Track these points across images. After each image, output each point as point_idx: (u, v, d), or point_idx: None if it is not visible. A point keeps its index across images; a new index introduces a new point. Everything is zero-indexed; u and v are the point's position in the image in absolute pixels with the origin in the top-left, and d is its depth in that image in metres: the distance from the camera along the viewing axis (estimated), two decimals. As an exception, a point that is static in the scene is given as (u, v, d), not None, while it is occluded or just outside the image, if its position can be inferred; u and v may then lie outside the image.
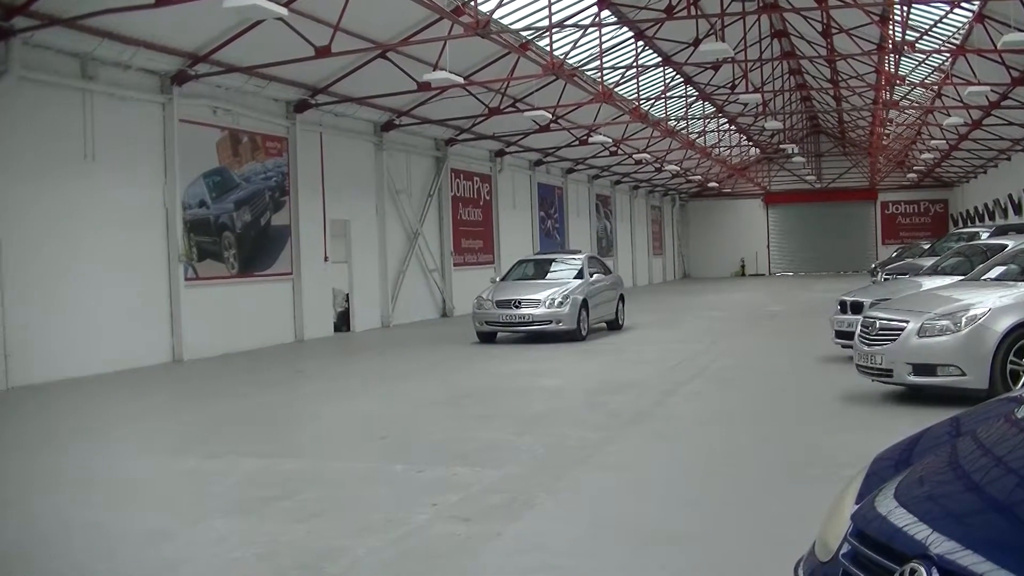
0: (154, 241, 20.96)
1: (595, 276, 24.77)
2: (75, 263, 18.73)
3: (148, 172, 20.87)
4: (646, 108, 36.54)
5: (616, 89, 34.17)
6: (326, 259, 27.06)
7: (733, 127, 48.21)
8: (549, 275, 24.85)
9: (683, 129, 41.49)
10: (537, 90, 30.93)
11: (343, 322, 28.39)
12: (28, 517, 8.46)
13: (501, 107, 30.43)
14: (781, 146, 51.71)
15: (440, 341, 24.58)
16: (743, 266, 69.81)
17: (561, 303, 22.57)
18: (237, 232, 23.50)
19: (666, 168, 50.43)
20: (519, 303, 22.78)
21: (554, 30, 25.14)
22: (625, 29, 30.27)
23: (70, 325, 18.34)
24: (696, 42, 26.57)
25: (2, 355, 17.05)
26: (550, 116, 31.72)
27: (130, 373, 13.91)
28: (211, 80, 22.16)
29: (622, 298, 26.42)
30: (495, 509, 8.17)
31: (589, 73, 31.09)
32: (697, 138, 44.42)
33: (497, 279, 26.25)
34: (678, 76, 36.97)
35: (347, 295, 28.56)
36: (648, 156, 45.16)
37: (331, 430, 12.66)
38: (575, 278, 24.15)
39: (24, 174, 17.80)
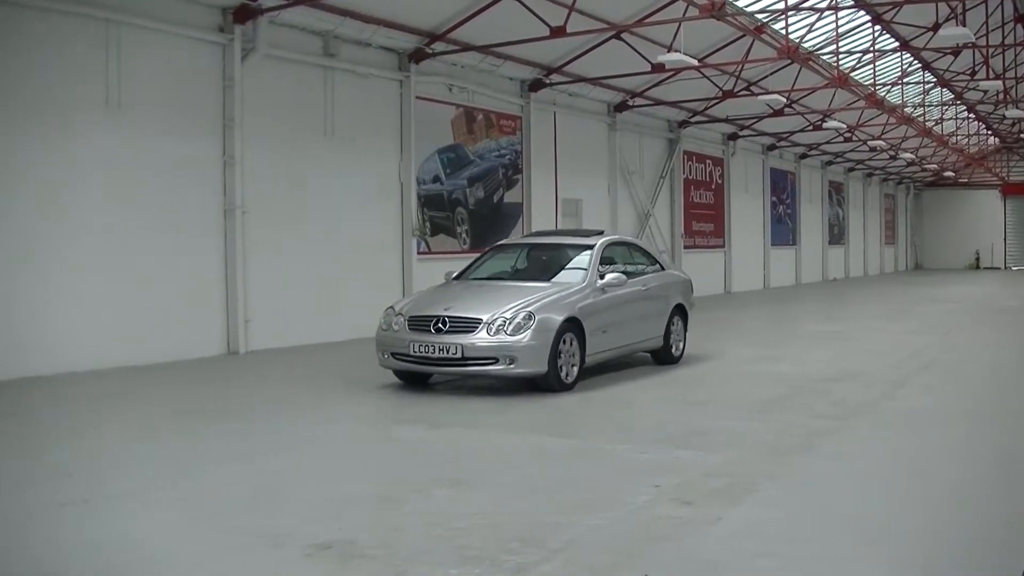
0: (389, 215, 20.78)
1: (611, 277, 13.75)
2: (311, 235, 18.69)
3: (384, 148, 20.70)
4: (882, 94, 34.62)
5: (852, 74, 32.50)
6: (557, 237, 26.08)
7: (972, 115, 45.48)
8: (537, 272, 14.43)
9: (920, 116, 39.25)
10: (771, 74, 29.66)
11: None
12: (266, 475, 8.55)
13: (735, 90, 29.17)
14: (1022, 135, 48.80)
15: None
16: (977, 258, 66.03)
17: (519, 327, 12.19)
18: (470, 208, 23.15)
19: (901, 156, 48.12)
20: (444, 324, 12.42)
21: (790, 13, 23.95)
22: (862, 12, 28.59)
23: (303, 295, 18.39)
24: (935, 26, 24.85)
25: (242, 321, 17.18)
26: (784, 100, 30.27)
27: (367, 341, 13.90)
28: (447, 58, 21.78)
29: (682, 312, 15.77)
30: (716, 493, 7.78)
31: (824, 57, 29.52)
32: (934, 126, 41.99)
33: (454, 275, 14.82)
34: (916, 61, 34.94)
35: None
36: (883, 143, 43.09)
37: (555, 406, 12.06)
38: (575, 279, 13.82)
39: (267, 148, 17.88)
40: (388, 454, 9.56)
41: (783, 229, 43.20)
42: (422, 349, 12.42)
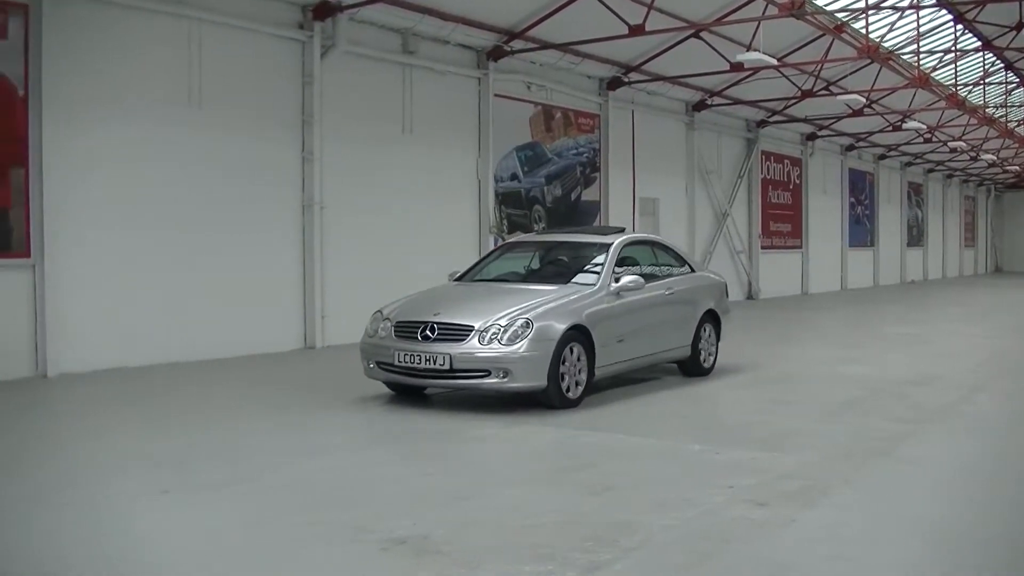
0: (466, 212, 20.68)
1: (627, 280, 12.21)
2: (389, 231, 18.63)
3: (463, 145, 20.62)
4: (963, 95, 33.93)
5: (932, 74, 31.83)
6: (633, 236, 25.94)
7: (1055, 116, 44.66)
8: (545, 273, 13.03)
9: (1002, 117, 38.34)
10: (851, 73, 28.95)
11: (649, 299, 27.07)
12: (344, 470, 8.54)
13: (814, 90, 28.66)
14: (1106, 137, 47.75)
15: (745, 326, 23.36)
16: (1059, 262, 64.89)
17: (515, 336, 10.81)
18: (547, 206, 22.95)
19: (982, 158, 47.16)
20: (432, 331, 11.08)
21: (870, 12, 23.46)
22: (944, 12, 27.94)
23: (379, 291, 18.13)
24: (1019, 26, 24.37)
25: (319, 316, 17.22)
26: (864, 100, 29.66)
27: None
28: (525, 56, 21.60)
29: (713, 318, 14.22)
30: (791, 495, 7.60)
31: (905, 57, 28.89)
32: (1016, 127, 41.04)
33: (458, 274, 13.46)
34: (998, 61, 34.24)
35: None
36: (964, 144, 42.23)
37: (631, 404, 11.88)
38: (586, 282, 12.28)
39: (346, 145, 17.85)
40: (463, 451, 9.40)
41: (861, 230, 42.51)
42: (408, 359, 11.09)
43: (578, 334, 11.35)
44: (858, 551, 6.33)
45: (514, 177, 21.96)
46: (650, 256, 13.89)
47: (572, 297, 11.78)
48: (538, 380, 10.90)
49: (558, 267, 13.11)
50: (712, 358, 14.22)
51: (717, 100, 29.18)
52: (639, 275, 12.58)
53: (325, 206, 17.30)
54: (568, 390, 11.23)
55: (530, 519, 6.87)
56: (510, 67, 21.46)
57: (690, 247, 28.79)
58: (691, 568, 6.00)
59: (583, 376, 11.46)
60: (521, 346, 10.77)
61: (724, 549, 6.35)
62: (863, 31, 23.99)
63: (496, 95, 21.13)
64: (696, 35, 22.87)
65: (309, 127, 17.07)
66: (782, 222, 35.25)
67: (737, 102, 29.75)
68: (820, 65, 26.27)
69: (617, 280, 12.24)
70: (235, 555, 6.25)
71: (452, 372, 10.91)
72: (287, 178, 17.00)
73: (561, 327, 11.11)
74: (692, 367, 13.85)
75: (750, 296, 32.47)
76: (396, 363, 11.23)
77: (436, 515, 7.02)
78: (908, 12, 24.72)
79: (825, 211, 38.58)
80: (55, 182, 13.64)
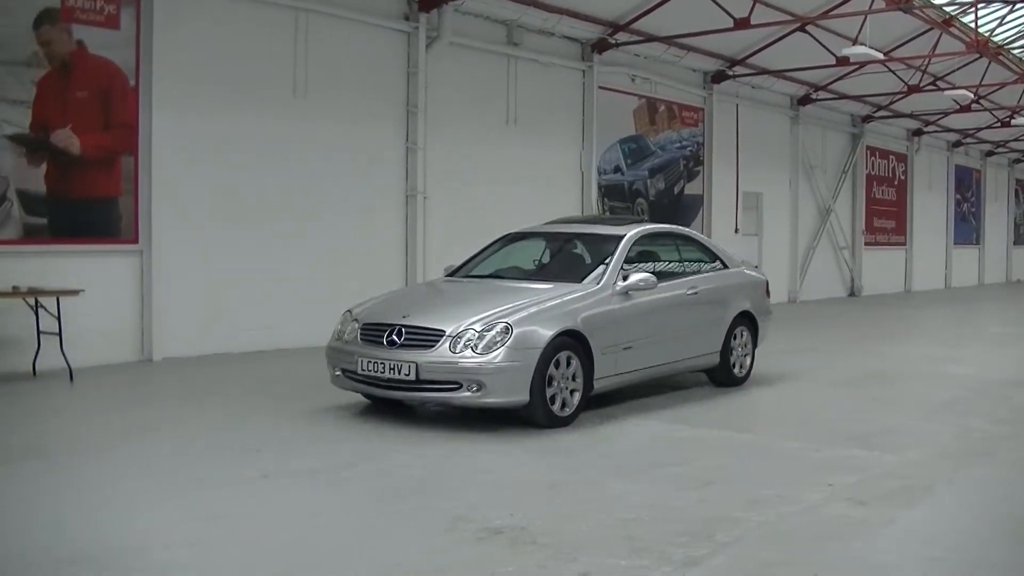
0: (569, 204, 20.30)
1: (636, 278, 10.49)
2: (490, 221, 18.32)
3: (566, 137, 20.36)
4: (1075, 90, 32.97)
5: (1044, 69, 31.04)
6: (736, 231, 25.65)
7: None
8: (545, 269, 11.47)
9: (1114, 114, 37.32)
10: (959, 68, 28.07)
11: (750, 294, 26.71)
12: (441, 459, 8.31)
13: (920, 85, 27.91)
14: None
15: (847, 323, 22.92)
16: None
17: (492, 343, 9.23)
18: (650, 199, 22.58)
19: (1093, 155, 45.95)
20: (399, 335, 9.52)
21: (979, 5, 22.73)
22: (1058, 4, 27.33)
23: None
24: None
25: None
26: (971, 96, 28.79)
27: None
28: (630, 49, 21.28)
29: (749, 321, 12.55)
30: (891, 494, 7.43)
31: (1015, 51, 28.08)
32: None
33: (452, 267, 12.08)
34: (1114, 56, 33.32)
35: (755, 268, 27.07)
36: (1074, 141, 41.17)
37: (727, 400, 11.58)
38: (589, 280, 10.58)
39: (450, 135, 17.73)
40: (561, 442, 9.13)
41: (966, 228, 41.39)
42: (371, 367, 9.51)
43: (572, 341, 9.73)
44: (958, 553, 6.18)
45: (617, 170, 21.64)
46: (672, 251, 12.12)
47: (567, 298, 10.09)
48: (518, 395, 9.27)
49: (561, 262, 11.55)
50: (747, 366, 12.56)
51: (822, 94, 28.49)
52: (652, 272, 10.85)
53: (428, 196, 17.19)
54: (558, 406, 9.61)
55: (627, 513, 6.76)
56: (614, 59, 21.14)
57: (793, 242, 28.31)
58: (787, 565, 5.87)
59: (577, 391, 9.81)
60: (497, 355, 9.16)
61: (821, 547, 6.21)
62: (972, 25, 23.28)
63: (600, 87, 20.84)
64: (802, 28, 22.30)
65: (413, 117, 16.96)
66: (886, 218, 34.40)
67: (842, 97, 29.01)
68: (927, 60, 25.49)
69: (625, 278, 10.55)
70: (331, 540, 6.19)
71: (418, 384, 9.29)
72: (391, 168, 16.90)
73: (547, 333, 9.45)
74: (722, 376, 12.19)
75: (852, 293, 31.75)
76: (359, 371, 9.65)
77: (534, 506, 6.94)
78: (1018, 6, 23.90)
79: (930, 208, 37.58)
80: (162, 170, 13.72)
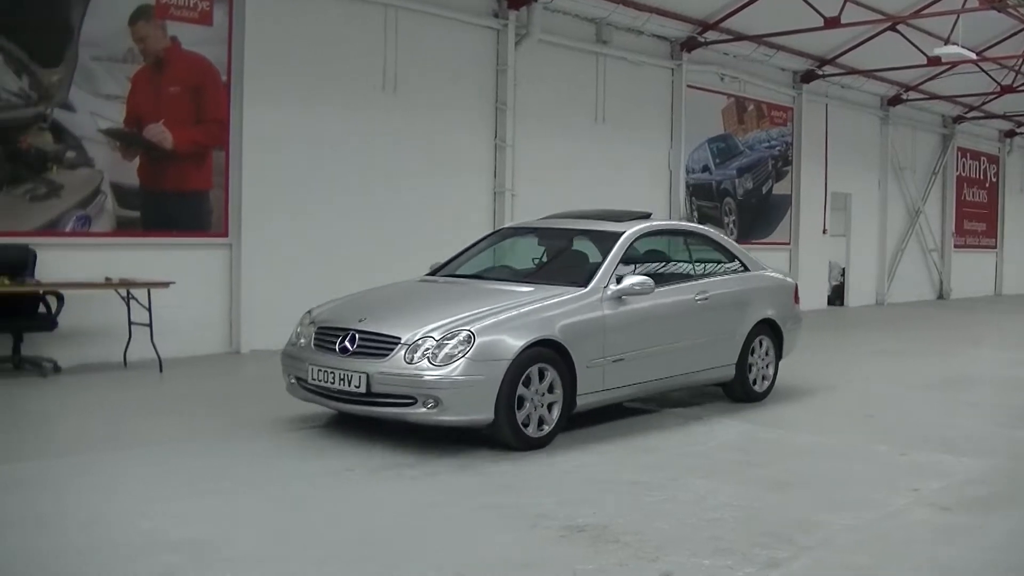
0: (657, 203, 19.97)
1: (631, 281, 9.20)
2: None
3: (654, 135, 20.05)
4: None
5: None
6: (824, 231, 25.12)
7: None
8: (532, 269, 10.28)
9: None
10: (1055, 68, 27.60)
11: (837, 296, 26.29)
12: (525, 456, 8.08)
13: (1014, 85, 27.06)
14: None
15: (935, 325, 22.37)
16: None
17: (452, 353, 8.02)
18: (738, 199, 22.14)
19: None
20: (352, 340, 8.42)
21: (1078, 3, 22.16)
22: None
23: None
24: None
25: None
26: (1067, 97, 28.27)
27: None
28: (719, 47, 20.87)
29: (772, 330, 11.13)
30: (978, 501, 7.27)
31: (1113, 50, 27.38)
32: None
33: (437, 264, 10.80)
34: None
35: (843, 269, 26.62)
36: None
37: (816, 402, 11.33)
38: (576, 282, 9.23)
39: (538, 132, 17.51)
40: (647, 440, 8.95)
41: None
42: (321, 376, 8.41)
43: (550, 352, 8.46)
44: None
45: (705, 169, 21.27)
46: (681, 251, 10.79)
47: (547, 303, 8.76)
48: (480, 413, 8.04)
49: (552, 262, 10.31)
50: (768, 380, 11.11)
51: (912, 95, 27.76)
52: (656, 274, 9.71)
53: (516, 193, 17.00)
54: (534, 426, 8.35)
55: (710, 512, 6.67)
56: (703, 58, 20.77)
57: (881, 244, 27.70)
58: (871, 570, 5.76)
59: (556, 407, 8.52)
60: (456, 367, 7.92)
61: (905, 552, 6.09)
62: (1069, 24, 22.64)
63: (689, 86, 20.48)
64: (892, 28, 21.75)
65: (502, 114, 16.80)
66: (977, 221, 33.51)
67: (933, 97, 28.26)
68: (1021, 60, 24.79)
69: (618, 281, 9.26)
70: (415, 535, 6.16)
71: (369, 397, 8.13)
72: (478, 165, 16.75)
73: (516, 343, 8.15)
74: (739, 391, 10.77)
75: (941, 296, 30.98)
76: (310, 380, 8.56)
77: (617, 505, 6.83)
78: (1119, 4, 23.20)
79: (1022, 210, 36.68)
80: (252, 164, 13.70)
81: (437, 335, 8.08)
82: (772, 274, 11.64)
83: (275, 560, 5.60)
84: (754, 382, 10.89)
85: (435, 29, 15.87)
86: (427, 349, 8.01)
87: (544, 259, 10.46)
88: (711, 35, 20.40)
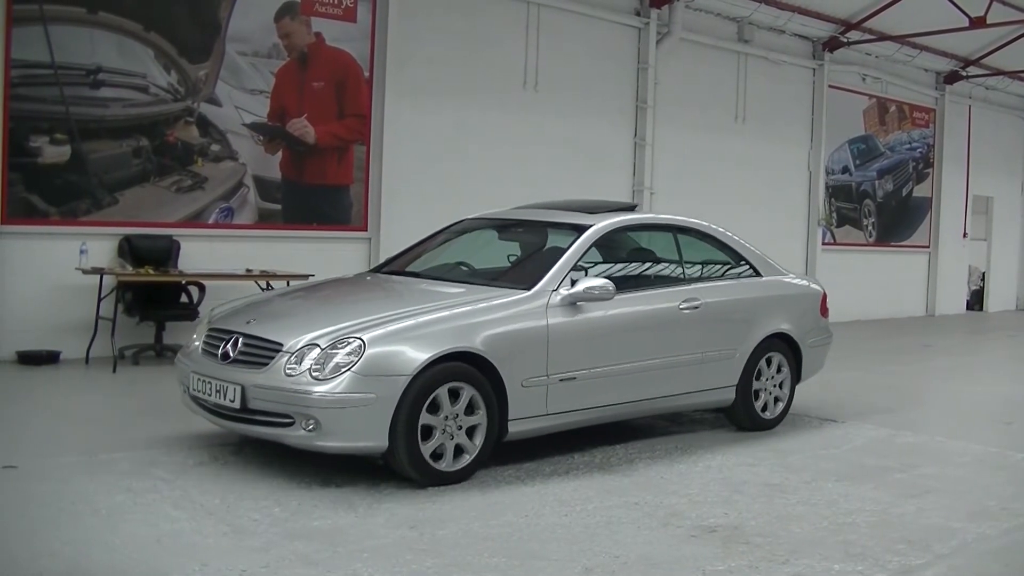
0: (795, 203, 18.93)
1: (588, 284, 7.18)
2: (716, 218, 17.19)
3: (794, 136, 18.88)
4: None
5: None
6: (965, 235, 23.58)
7: None
8: (476, 267, 8.38)
9: None
10: None
11: (976, 301, 24.65)
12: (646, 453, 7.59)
13: None
14: None
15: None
16: None
17: (340, 365, 6.21)
18: (878, 201, 20.80)
19: None
20: (235, 345, 6.69)
21: None
22: None
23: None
24: None
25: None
26: None
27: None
28: (861, 48, 19.54)
29: (788, 347, 8.91)
30: None
31: None
32: None
33: (390, 258, 9.05)
34: None
35: (983, 274, 25.10)
36: None
37: (954, 408, 10.77)
38: (519, 285, 7.27)
39: (678, 131, 16.66)
40: (781, 443, 8.39)
41: None
42: (200, 386, 6.76)
43: (469, 368, 6.59)
44: None
45: (845, 170, 20.02)
46: (670, 250, 8.52)
47: (471, 307, 6.89)
48: (370, 439, 6.27)
49: (501, 258, 8.44)
50: (781, 403, 8.92)
51: (1059, 98, 26.23)
52: (623, 277, 7.85)
53: (655, 192, 16.11)
54: (449, 457, 6.55)
55: (843, 517, 6.29)
56: (845, 58, 19.51)
57: (1022, 248, 26.12)
58: None
59: (478, 433, 6.66)
60: (340, 382, 6.18)
61: None
62: None
63: (830, 86, 19.23)
64: (1040, 28, 20.42)
65: (642, 113, 15.90)
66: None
67: (1080, 100, 26.66)
68: None
69: (573, 284, 7.25)
70: (546, 532, 5.81)
71: (244, 413, 6.46)
72: (618, 163, 15.89)
73: (420, 356, 6.32)
74: (742, 418, 8.62)
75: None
76: (191, 390, 6.92)
77: (750, 506, 6.47)
78: None
79: None
80: (393, 160, 13.14)
81: (324, 342, 6.34)
82: (792, 280, 9.41)
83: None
84: (763, 408, 8.73)
85: (577, 26, 15.08)
86: (312, 359, 6.29)
87: (508, 256, 8.47)
88: (853, 35, 19.13)
